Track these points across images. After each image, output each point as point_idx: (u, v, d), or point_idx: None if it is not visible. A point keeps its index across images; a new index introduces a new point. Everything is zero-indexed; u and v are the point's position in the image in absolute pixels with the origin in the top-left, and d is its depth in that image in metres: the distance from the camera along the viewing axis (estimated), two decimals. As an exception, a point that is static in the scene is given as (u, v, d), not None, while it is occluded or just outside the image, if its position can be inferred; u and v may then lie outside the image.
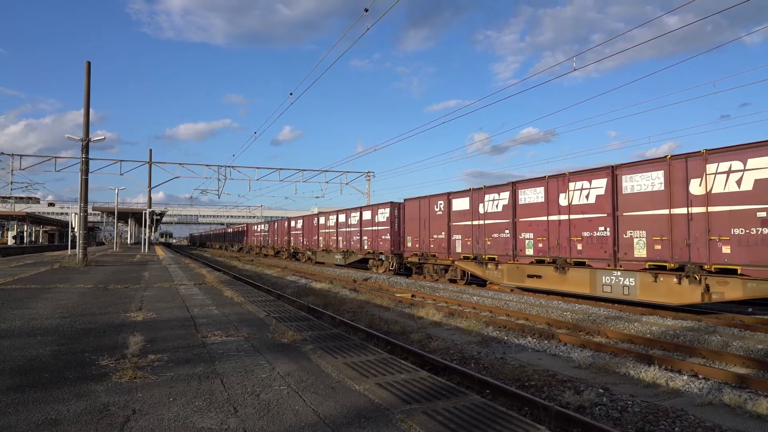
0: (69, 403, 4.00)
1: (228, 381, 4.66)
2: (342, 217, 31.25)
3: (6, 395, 4.16)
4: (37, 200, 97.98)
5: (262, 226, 53.49)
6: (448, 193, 20.30)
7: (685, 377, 7.25)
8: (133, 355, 5.51)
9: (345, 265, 30.75)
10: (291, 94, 24.25)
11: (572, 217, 14.50)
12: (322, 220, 34.82)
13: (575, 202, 14.47)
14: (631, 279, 12.94)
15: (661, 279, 12.28)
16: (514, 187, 16.74)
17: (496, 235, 17.43)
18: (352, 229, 29.56)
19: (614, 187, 13.37)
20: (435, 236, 20.88)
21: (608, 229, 13.44)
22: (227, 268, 32.44)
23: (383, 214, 25.81)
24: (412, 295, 17.04)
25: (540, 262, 15.57)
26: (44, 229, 73.60)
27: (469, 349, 9.16)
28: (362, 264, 29.53)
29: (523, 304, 14.31)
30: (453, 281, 20.44)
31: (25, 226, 61.31)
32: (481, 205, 18.24)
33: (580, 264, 14.30)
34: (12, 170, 40.88)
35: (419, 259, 22.17)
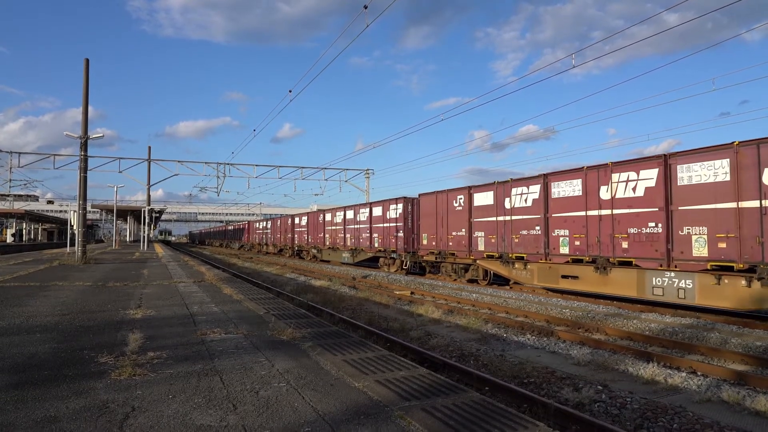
0: (68, 400, 4.00)
1: (227, 378, 4.66)
2: (350, 214, 29.82)
3: (5, 392, 4.16)
4: (35, 198, 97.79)
5: (264, 223, 52.55)
6: (469, 187, 18.86)
7: (684, 374, 7.27)
8: (133, 353, 5.51)
9: (353, 263, 29.47)
10: (290, 91, 24.22)
11: (616, 211, 13.25)
12: (328, 217, 33.33)
13: (620, 195, 13.19)
14: (688, 281, 11.69)
15: (726, 281, 11.01)
16: (545, 179, 15.33)
17: (524, 232, 15.99)
18: (361, 226, 28.17)
19: (667, 178, 12.09)
20: (454, 233, 19.50)
21: (660, 225, 12.20)
22: (226, 265, 32.43)
23: (395, 210, 24.41)
24: (412, 293, 17.05)
25: (577, 261, 14.31)
26: (43, 226, 73.55)
27: (468, 347, 9.17)
28: (372, 263, 28.24)
29: (522, 302, 14.31)
30: (473, 281, 19.16)
31: (24, 224, 61.26)
32: (507, 199, 16.76)
33: (626, 264, 13.03)
34: (11, 168, 40.83)
35: (436, 258, 20.83)
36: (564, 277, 14.67)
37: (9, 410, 3.76)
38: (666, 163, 12.20)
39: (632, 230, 12.89)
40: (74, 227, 23.97)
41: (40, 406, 3.85)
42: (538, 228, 15.55)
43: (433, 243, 20.95)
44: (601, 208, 13.72)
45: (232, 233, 72.06)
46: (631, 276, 13.00)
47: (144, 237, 45.75)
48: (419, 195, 22.34)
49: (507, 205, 16.84)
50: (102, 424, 3.53)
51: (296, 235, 40.42)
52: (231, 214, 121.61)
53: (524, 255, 16.03)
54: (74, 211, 24.52)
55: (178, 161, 44.76)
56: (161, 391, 4.25)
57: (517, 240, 16.40)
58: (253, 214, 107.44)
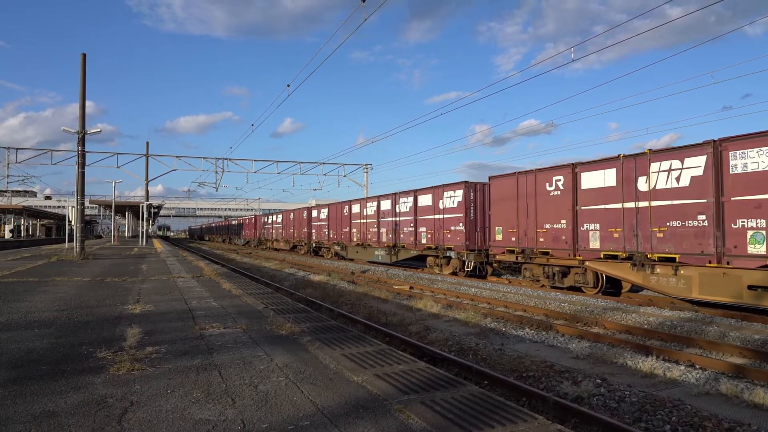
0: (66, 395, 4.00)
1: (226, 372, 4.66)
2: (386, 204, 25.65)
3: (4, 388, 4.15)
4: (34, 194, 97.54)
5: (274, 217, 48.73)
6: (574, 165, 14.67)
7: (683, 367, 7.28)
8: (131, 348, 5.50)
9: (390, 263, 25.43)
10: (288, 86, 24.13)
11: None
12: (356, 209, 29.13)
13: None
14: None
15: None
16: (717, 147, 11.15)
17: (676, 224, 11.87)
18: (402, 218, 24.06)
19: None
20: (547, 226, 15.44)
21: None
22: (225, 260, 32.42)
23: (452, 199, 20.30)
24: (410, 287, 17.07)
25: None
26: (41, 222, 73.47)
27: (467, 341, 9.18)
28: (417, 263, 24.46)
29: (521, 296, 14.33)
30: (575, 289, 15.11)
31: (22, 220, 61.19)
32: (643, 178, 12.64)
33: None
34: (8, 164, 40.71)
35: (517, 258, 16.70)
36: (752, 288, 10.45)
37: (7, 405, 3.75)
38: None
39: None
40: (72, 223, 23.93)
41: (38, 401, 3.84)
42: (702, 217, 11.37)
43: (512, 239, 16.83)
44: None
45: (237, 228, 68.30)
46: None
47: (142, 232, 45.70)
48: (490, 178, 18.40)
49: (643, 187, 12.66)
50: (100, 418, 3.52)
51: (314, 230, 36.39)
52: (229, 209, 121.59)
53: (675, 255, 11.90)
54: (72, 207, 24.47)
55: (177, 156, 44.62)
56: (160, 386, 4.25)
57: (661, 235, 12.25)
58: (252, 210, 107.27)
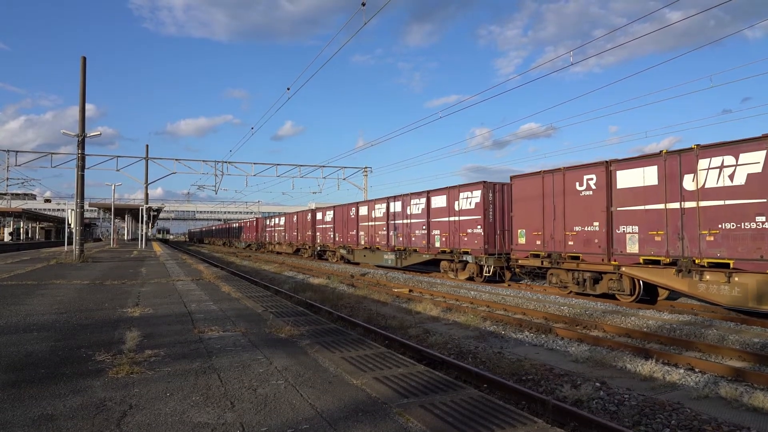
0: (65, 398, 3.99)
1: (225, 376, 4.65)
2: (396, 206, 24.63)
3: (2, 391, 4.15)
4: (33, 196, 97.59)
5: (276, 219, 47.84)
6: (608, 162, 13.73)
7: (682, 371, 7.28)
8: (130, 351, 5.50)
9: (400, 267, 24.49)
10: (288, 89, 24.17)
11: None
12: (363, 211, 28.25)
13: None
14: None
15: None
16: None
17: (729, 226, 10.90)
18: (413, 220, 23.11)
19: None
20: (577, 228, 14.48)
21: None
22: (225, 264, 32.40)
23: (469, 200, 19.40)
24: (410, 290, 17.06)
25: None
26: (41, 225, 73.43)
27: (466, 344, 9.18)
28: (429, 267, 23.67)
29: (521, 299, 14.32)
30: (608, 296, 14.17)
31: (22, 223, 61.15)
32: (688, 176, 11.73)
33: None
34: (8, 166, 40.72)
35: (543, 262, 15.71)
36: None
37: (6, 409, 3.74)
38: None
39: None
40: (72, 226, 23.92)
41: (37, 405, 3.84)
42: (761, 219, 10.43)
43: (537, 242, 15.92)
44: None
45: (237, 231, 67.72)
46: None
47: (142, 235, 45.69)
48: (512, 177, 17.55)
49: (689, 185, 11.76)
50: (99, 422, 3.51)
51: (319, 233, 35.31)
52: (229, 212, 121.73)
53: (729, 261, 10.88)
54: (72, 210, 24.47)
55: (176, 159, 44.77)
56: (159, 389, 4.24)
57: (711, 238, 11.28)
58: (251, 213, 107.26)
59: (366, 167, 49.37)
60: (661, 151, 12.50)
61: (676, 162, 12.08)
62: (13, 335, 6.31)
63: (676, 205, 12.00)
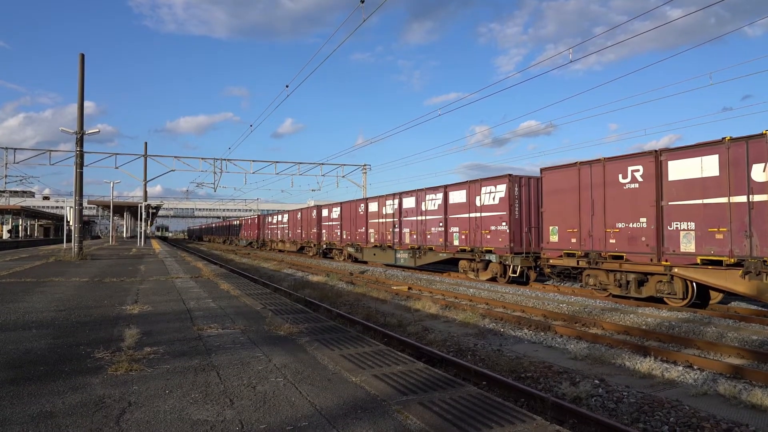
0: (64, 395, 3.99)
1: (224, 373, 4.65)
2: (410, 202, 23.28)
3: (1, 388, 4.14)
4: (32, 194, 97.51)
5: (279, 216, 46.31)
6: (658, 152, 12.41)
7: (681, 368, 7.29)
8: (129, 348, 5.49)
9: (414, 267, 23.37)
10: (287, 86, 24.12)
11: None
12: (373, 207, 26.95)
13: None
14: None
15: None
16: None
17: None
18: (429, 217, 21.79)
19: None
20: (620, 225, 13.23)
21: None
22: (224, 261, 32.39)
23: (492, 195, 18.00)
24: (409, 288, 17.06)
25: None
26: (39, 222, 73.32)
27: (465, 341, 9.18)
28: (446, 266, 22.50)
29: (520, 297, 14.33)
30: (655, 300, 12.91)
31: (20, 220, 61.09)
32: (758, 166, 10.43)
33: None
34: (7, 164, 40.64)
35: (579, 262, 14.44)
36: None
37: (5, 406, 3.74)
38: None
39: None
40: (71, 223, 23.89)
41: (35, 402, 3.84)
42: None
43: (572, 240, 14.61)
44: None
45: (237, 229, 66.83)
46: None
47: (141, 233, 45.65)
48: (542, 170, 16.15)
49: (759, 177, 10.45)
50: (98, 419, 3.51)
51: (324, 231, 34.08)
52: (228, 209, 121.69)
53: None
54: (70, 207, 24.44)
55: (175, 157, 44.64)
56: (158, 387, 4.24)
57: None
58: (250, 210, 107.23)
59: (365, 165, 49.31)
60: (723, 138, 11.13)
61: (742, 150, 10.69)
62: (11, 332, 6.31)
63: (742, 199, 10.65)
